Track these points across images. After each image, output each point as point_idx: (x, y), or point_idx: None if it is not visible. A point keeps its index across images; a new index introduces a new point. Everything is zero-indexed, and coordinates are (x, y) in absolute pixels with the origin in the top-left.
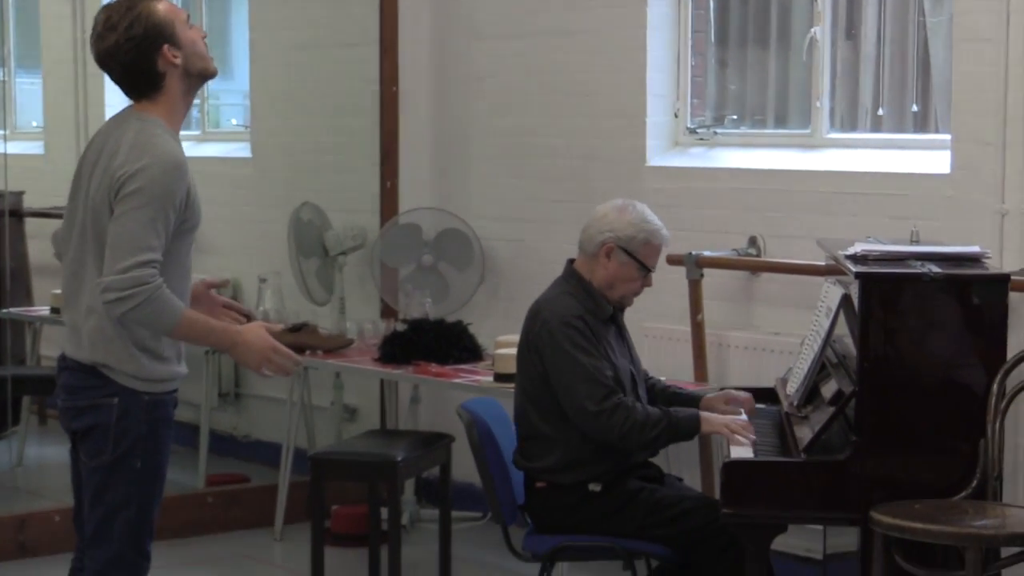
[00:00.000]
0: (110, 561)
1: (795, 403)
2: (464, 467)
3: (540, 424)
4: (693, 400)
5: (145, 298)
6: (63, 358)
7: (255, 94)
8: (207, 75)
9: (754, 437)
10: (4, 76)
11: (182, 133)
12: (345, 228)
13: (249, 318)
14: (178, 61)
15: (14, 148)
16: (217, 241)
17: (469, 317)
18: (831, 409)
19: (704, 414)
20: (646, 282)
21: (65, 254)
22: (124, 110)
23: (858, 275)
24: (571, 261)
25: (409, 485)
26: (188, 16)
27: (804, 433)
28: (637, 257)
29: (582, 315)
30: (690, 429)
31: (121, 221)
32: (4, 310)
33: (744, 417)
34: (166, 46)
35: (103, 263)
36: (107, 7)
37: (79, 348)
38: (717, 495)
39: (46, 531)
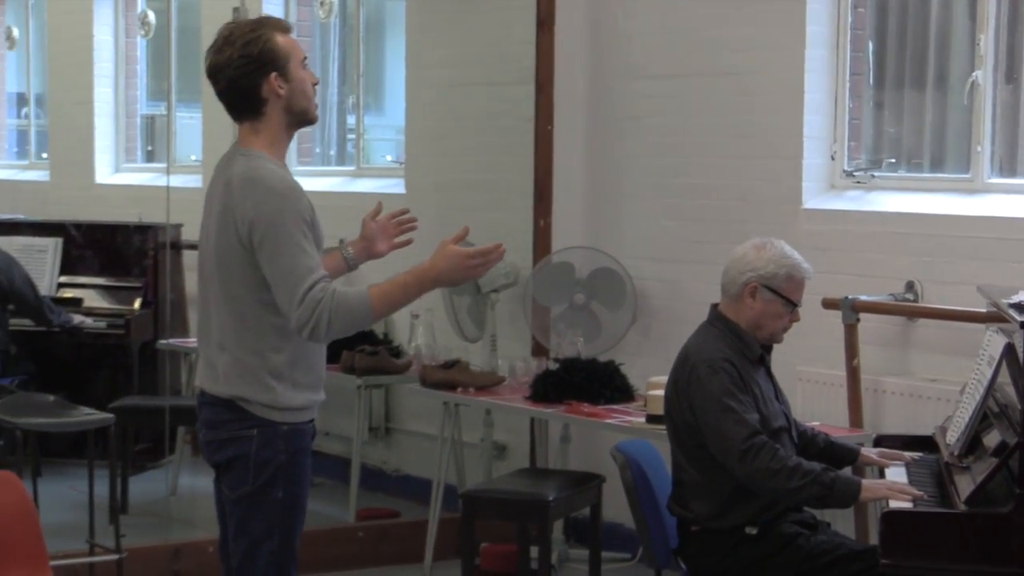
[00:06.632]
0: None
1: (956, 452)
2: (613, 506)
3: (691, 470)
4: (851, 453)
5: (331, 311)
6: (202, 393)
7: (409, 131)
8: (307, 117)
9: (914, 498)
10: (166, 111)
11: (337, 168)
12: (498, 266)
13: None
14: (283, 92)
15: (174, 181)
16: (370, 277)
17: (621, 357)
18: (994, 460)
19: (867, 482)
20: (793, 317)
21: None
22: (229, 149)
23: (1023, 324)
24: (715, 306)
25: (557, 524)
26: (306, 59)
27: (965, 484)
28: (781, 293)
29: (730, 358)
30: (847, 493)
31: (273, 263)
32: (163, 341)
33: (903, 473)
34: (275, 74)
35: (229, 302)
36: (231, 24)
37: (216, 383)
38: (871, 540)
39: (200, 561)
